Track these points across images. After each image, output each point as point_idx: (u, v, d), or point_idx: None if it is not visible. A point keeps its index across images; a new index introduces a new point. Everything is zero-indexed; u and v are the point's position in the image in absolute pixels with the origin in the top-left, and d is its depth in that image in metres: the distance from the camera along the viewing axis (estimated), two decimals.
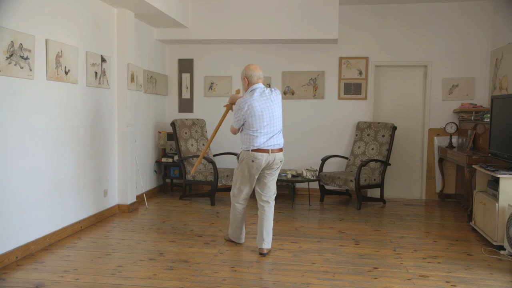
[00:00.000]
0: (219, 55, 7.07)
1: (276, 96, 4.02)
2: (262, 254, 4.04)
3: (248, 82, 4.01)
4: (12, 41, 3.61)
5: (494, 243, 4.24)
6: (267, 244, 4.05)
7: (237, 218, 4.23)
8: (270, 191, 4.12)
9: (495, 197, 4.30)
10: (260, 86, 4.00)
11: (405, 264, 3.83)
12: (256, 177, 4.05)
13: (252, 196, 4.50)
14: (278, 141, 4.00)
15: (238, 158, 4.14)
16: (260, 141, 3.92)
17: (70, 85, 4.52)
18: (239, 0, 6.45)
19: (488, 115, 5.25)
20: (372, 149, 6.43)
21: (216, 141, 6.89)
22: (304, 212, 5.79)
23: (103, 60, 5.13)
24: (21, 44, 3.72)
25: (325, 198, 6.53)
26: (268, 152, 3.94)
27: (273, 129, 3.96)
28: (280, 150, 4.04)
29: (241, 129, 4.05)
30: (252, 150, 3.94)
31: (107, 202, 5.34)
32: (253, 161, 3.94)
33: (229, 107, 4.37)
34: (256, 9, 6.41)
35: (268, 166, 4.00)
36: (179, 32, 6.61)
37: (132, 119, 5.67)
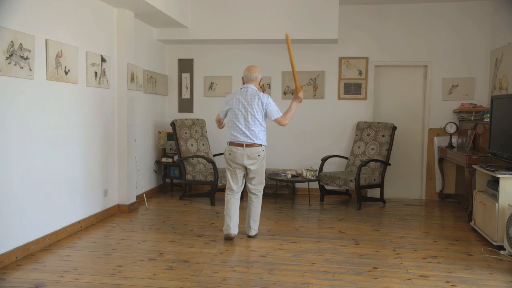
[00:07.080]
0: (219, 55, 7.07)
1: (255, 100, 4.27)
2: (249, 236, 4.55)
3: (243, 82, 4.48)
4: (12, 41, 3.61)
5: (494, 243, 4.24)
6: (253, 231, 4.53)
7: (226, 207, 4.45)
8: (257, 184, 4.45)
9: (495, 197, 4.30)
10: (248, 86, 4.37)
11: (405, 264, 3.83)
12: (238, 170, 4.37)
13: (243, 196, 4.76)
14: (252, 137, 4.25)
15: None
16: (234, 134, 4.29)
17: (70, 85, 4.52)
18: (239, 0, 6.45)
19: (488, 115, 5.25)
20: (372, 149, 6.42)
21: (216, 141, 6.90)
22: (304, 212, 5.79)
23: (103, 60, 5.13)
24: (21, 44, 3.72)
25: (325, 198, 6.53)
26: (243, 146, 4.26)
27: (248, 126, 4.25)
28: (258, 145, 4.30)
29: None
30: (229, 144, 4.33)
31: (107, 202, 5.34)
32: (230, 153, 4.32)
33: (299, 89, 4.54)
34: (256, 9, 6.41)
35: (248, 160, 4.28)
36: (179, 32, 6.61)
37: (132, 119, 5.67)
